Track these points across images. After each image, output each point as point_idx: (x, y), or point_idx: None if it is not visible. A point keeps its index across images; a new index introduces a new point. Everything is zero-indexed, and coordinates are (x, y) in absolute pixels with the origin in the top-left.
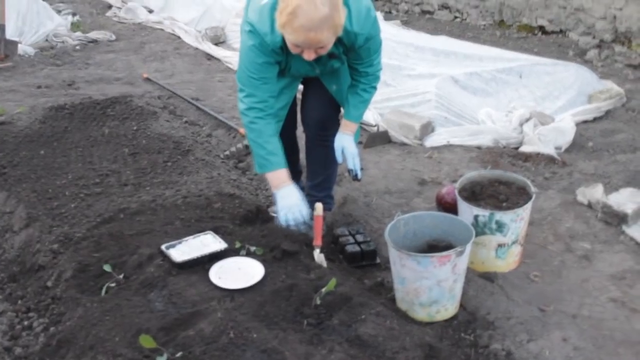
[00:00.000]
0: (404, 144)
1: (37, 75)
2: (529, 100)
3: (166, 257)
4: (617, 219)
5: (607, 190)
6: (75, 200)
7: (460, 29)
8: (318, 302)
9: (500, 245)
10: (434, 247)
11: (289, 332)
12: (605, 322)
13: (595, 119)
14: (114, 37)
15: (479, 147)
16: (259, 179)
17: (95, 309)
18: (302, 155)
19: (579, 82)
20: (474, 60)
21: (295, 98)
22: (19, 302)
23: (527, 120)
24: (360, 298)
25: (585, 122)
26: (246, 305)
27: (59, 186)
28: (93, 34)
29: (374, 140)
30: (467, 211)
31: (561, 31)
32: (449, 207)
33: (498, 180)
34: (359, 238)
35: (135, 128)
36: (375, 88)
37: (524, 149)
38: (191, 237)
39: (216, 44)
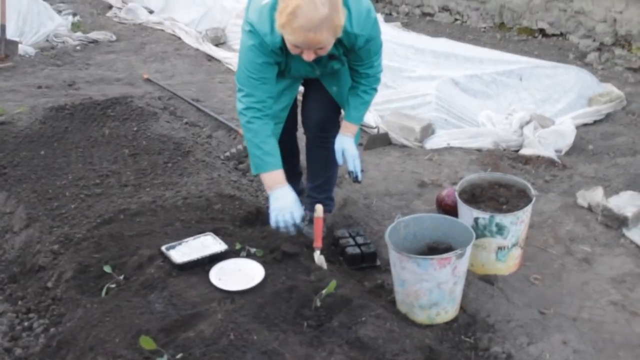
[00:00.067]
0: (404, 146)
1: (37, 75)
2: (529, 102)
3: (166, 258)
4: (617, 222)
5: (608, 194)
6: (75, 201)
7: (461, 32)
8: (318, 304)
9: (500, 248)
10: (434, 249)
11: (289, 334)
12: (606, 325)
13: (595, 122)
14: (114, 38)
15: (479, 150)
16: (259, 180)
17: (95, 310)
18: (303, 157)
19: (579, 85)
20: (474, 62)
21: (295, 100)
22: (19, 302)
23: (528, 122)
24: (360, 300)
25: (585, 125)
26: (246, 306)
27: (59, 187)
28: (93, 35)
29: (374, 142)
30: (468, 213)
31: (561, 34)
32: (449, 209)
33: (498, 183)
34: (359, 240)
35: (135, 129)
36: (375, 90)
37: (524, 151)
38: (191, 238)
39: (217, 45)
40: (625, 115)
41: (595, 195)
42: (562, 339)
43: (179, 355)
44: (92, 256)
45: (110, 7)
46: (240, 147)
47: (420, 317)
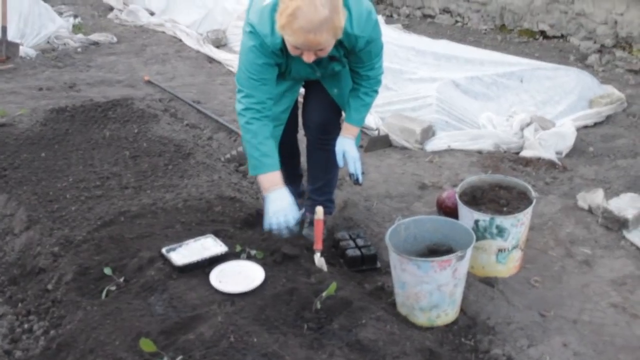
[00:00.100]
0: (404, 148)
1: (38, 77)
2: (530, 104)
3: (167, 261)
4: (617, 224)
5: (608, 196)
6: (75, 203)
7: (462, 33)
8: (318, 306)
9: (500, 250)
10: (434, 251)
11: (289, 336)
12: (606, 327)
13: (596, 124)
14: (115, 40)
15: (479, 152)
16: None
17: (95, 312)
18: (303, 159)
19: (580, 87)
20: (475, 64)
21: (296, 102)
22: (20, 305)
23: (528, 124)
24: (360, 302)
25: (586, 127)
26: (246, 309)
27: (60, 189)
28: (94, 36)
29: (375, 144)
30: (468, 216)
31: (562, 36)
32: (449, 211)
33: (499, 185)
34: (360, 242)
35: (136, 131)
36: (376, 92)
37: (525, 153)
38: (192, 240)
39: (217, 47)
40: (625, 117)
41: (595, 197)
42: (562, 342)
43: (179, 358)
44: (93, 258)
45: (111, 9)
46: (240, 149)
47: (421, 319)
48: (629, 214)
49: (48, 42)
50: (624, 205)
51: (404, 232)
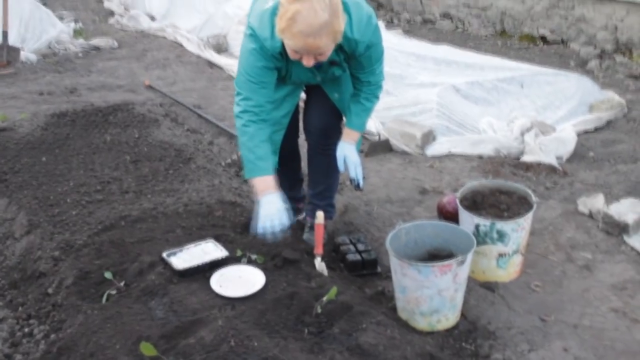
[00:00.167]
0: (405, 153)
1: (39, 82)
2: (530, 109)
3: (167, 265)
4: (618, 229)
5: (608, 200)
6: (76, 208)
7: (462, 39)
8: (319, 310)
9: (501, 255)
10: (435, 256)
11: (289, 340)
12: (607, 332)
13: (596, 129)
14: (116, 45)
15: (480, 157)
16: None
17: (96, 316)
18: (304, 164)
19: (580, 92)
20: (476, 69)
21: (297, 106)
22: (20, 309)
23: (529, 129)
24: (361, 307)
25: (586, 132)
26: (247, 313)
27: (61, 193)
28: (95, 41)
29: (376, 149)
30: (469, 220)
31: (562, 41)
32: (450, 216)
33: (499, 190)
34: (360, 247)
35: (137, 135)
36: (377, 97)
37: (525, 158)
38: (192, 244)
39: (218, 52)
40: (626, 123)
41: (596, 202)
42: (563, 346)
43: None
44: (93, 262)
45: (112, 14)
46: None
47: (421, 324)
48: (630, 218)
49: (49, 47)
50: (625, 210)
51: (405, 237)
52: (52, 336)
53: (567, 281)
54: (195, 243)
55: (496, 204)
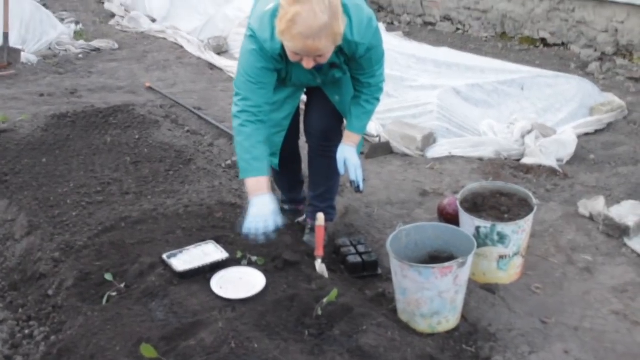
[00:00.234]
0: (405, 155)
1: (39, 83)
2: (531, 112)
3: (167, 267)
4: (618, 231)
5: (609, 203)
6: (76, 209)
7: (462, 41)
8: (319, 312)
9: (501, 257)
10: (435, 258)
11: (290, 342)
12: (607, 334)
13: (596, 132)
14: (116, 46)
15: (480, 159)
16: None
17: (96, 318)
18: (304, 166)
19: (581, 94)
20: (476, 72)
21: (298, 108)
22: (20, 310)
23: (529, 132)
24: (361, 309)
25: (586, 134)
26: (247, 315)
27: (61, 194)
28: (96, 43)
29: (376, 151)
30: (469, 222)
31: (563, 44)
32: (450, 218)
33: (500, 192)
34: (361, 249)
35: (137, 137)
36: (378, 99)
37: (526, 160)
38: (192, 246)
39: (219, 54)
40: (626, 125)
41: (596, 205)
42: (563, 349)
43: None
44: (93, 264)
45: (112, 15)
46: None
47: (422, 326)
48: (630, 221)
49: (49, 48)
50: (625, 212)
51: (405, 239)
52: (52, 338)
53: (568, 283)
54: (196, 245)
55: (497, 206)
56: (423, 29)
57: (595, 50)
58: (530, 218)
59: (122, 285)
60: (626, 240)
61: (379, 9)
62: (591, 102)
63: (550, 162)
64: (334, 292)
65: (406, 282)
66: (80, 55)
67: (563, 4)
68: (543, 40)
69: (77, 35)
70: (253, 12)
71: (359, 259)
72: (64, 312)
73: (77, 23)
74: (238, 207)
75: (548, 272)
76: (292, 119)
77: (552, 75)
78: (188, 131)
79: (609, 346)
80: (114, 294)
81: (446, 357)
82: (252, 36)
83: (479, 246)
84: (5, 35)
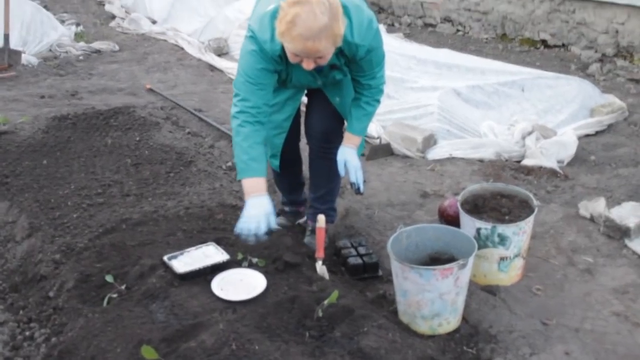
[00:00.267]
0: (406, 157)
1: (40, 85)
2: (531, 113)
3: (168, 268)
4: (619, 232)
5: (610, 204)
6: (77, 211)
7: (463, 42)
8: (320, 314)
9: (502, 259)
10: (436, 259)
11: (291, 344)
12: (608, 336)
13: (597, 133)
14: (117, 48)
15: (481, 160)
16: None
17: (96, 319)
18: (305, 167)
19: (581, 95)
20: (477, 73)
21: (299, 110)
22: (21, 312)
23: (530, 133)
24: (362, 310)
25: (587, 135)
26: (248, 316)
27: (62, 196)
28: (96, 45)
29: (376, 152)
30: (470, 224)
31: (563, 45)
32: (451, 219)
33: (500, 194)
34: (361, 250)
35: (138, 139)
36: (378, 101)
37: (526, 162)
38: (193, 248)
39: (219, 55)
40: (627, 126)
41: (597, 206)
42: (564, 350)
43: None
44: (94, 266)
45: (113, 17)
46: None
47: (423, 327)
48: (631, 222)
49: (50, 50)
50: (626, 213)
51: (406, 241)
52: (53, 340)
53: (569, 285)
54: (196, 246)
55: (497, 207)
56: (423, 31)
57: (596, 52)
58: (530, 219)
59: (123, 287)
60: (627, 241)
61: (380, 10)
62: (592, 104)
63: (551, 163)
64: (335, 294)
65: (407, 283)
66: (81, 57)
67: (563, 5)
68: (543, 42)
69: (78, 37)
70: (253, 13)
71: (359, 261)
72: (64, 314)
73: (77, 25)
74: (239, 209)
75: (549, 273)
76: (293, 121)
77: (552, 76)
78: (189, 133)
79: (610, 347)
80: (115, 295)
81: (447, 358)
82: (252, 37)
83: (479, 248)
84: (6, 37)
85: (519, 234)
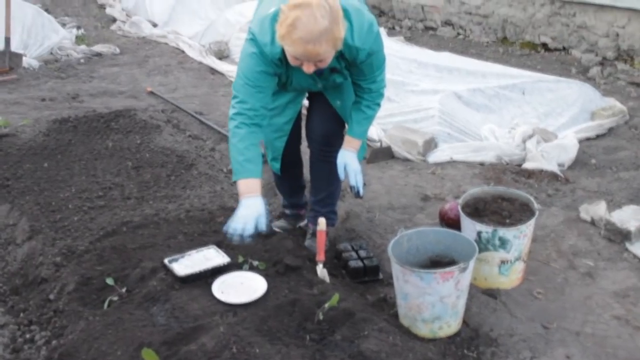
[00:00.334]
0: (407, 160)
1: (41, 88)
2: (532, 117)
3: (169, 271)
4: (620, 236)
5: (610, 208)
6: (78, 213)
7: (464, 46)
8: (321, 317)
9: (503, 262)
10: (437, 263)
11: (291, 347)
12: (609, 339)
13: (598, 136)
14: (118, 51)
15: (482, 164)
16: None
17: (97, 322)
18: (306, 170)
19: (582, 99)
20: (477, 76)
21: (300, 113)
22: (21, 314)
23: (530, 137)
24: (363, 314)
25: (588, 139)
26: (249, 319)
27: (62, 199)
28: (97, 48)
29: (377, 155)
30: (470, 227)
31: (564, 48)
32: (452, 223)
33: (501, 197)
34: (362, 253)
35: (138, 141)
36: (379, 105)
37: (527, 165)
38: (194, 251)
39: (220, 59)
40: (628, 130)
41: (598, 210)
42: (565, 354)
43: None
44: (95, 268)
45: (114, 20)
46: None
47: (423, 331)
48: (632, 226)
49: (51, 53)
50: (627, 217)
51: (407, 244)
52: (54, 342)
53: (570, 288)
54: (197, 249)
55: (498, 210)
56: (424, 34)
57: (596, 55)
58: (531, 223)
59: (124, 290)
60: (628, 245)
61: (380, 13)
62: (592, 107)
63: (552, 166)
64: (336, 297)
65: (407, 287)
66: (82, 60)
67: (564, 8)
68: (544, 45)
69: (79, 40)
70: (255, 15)
71: (360, 264)
72: (65, 317)
73: (78, 28)
74: None
75: (549, 277)
76: (294, 124)
77: (553, 79)
78: (189, 136)
79: (611, 351)
80: (115, 298)
81: None
82: (253, 40)
83: (480, 251)
84: (7, 40)
85: (520, 237)
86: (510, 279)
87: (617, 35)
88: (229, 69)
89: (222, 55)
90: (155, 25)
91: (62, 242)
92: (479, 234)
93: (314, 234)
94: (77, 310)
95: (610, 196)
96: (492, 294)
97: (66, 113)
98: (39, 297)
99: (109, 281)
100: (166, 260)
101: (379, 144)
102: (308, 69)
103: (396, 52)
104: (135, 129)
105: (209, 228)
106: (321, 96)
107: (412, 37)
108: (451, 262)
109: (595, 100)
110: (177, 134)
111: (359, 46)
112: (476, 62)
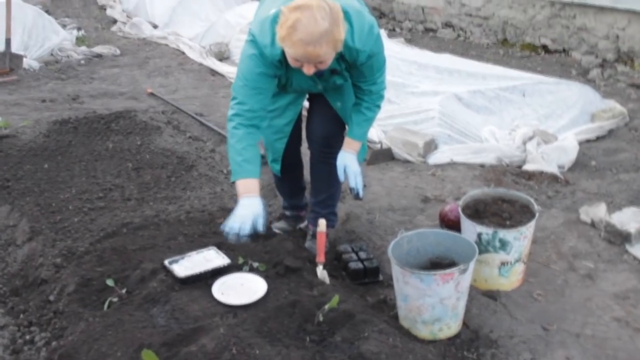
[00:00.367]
0: (407, 162)
1: (41, 89)
2: (532, 118)
3: (169, 272)
4: (620, 238)
5: (611, 209)
6: (78, 215)
7: (464, 48)
8: (321, 318)
9: (503, 264)
10: (437, 264)
11: (291, 348)
12: (609, 341)
13: (598, 138)
14: (118, 52)
15: (482, 165)
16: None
17: (97, 323)
18: (306, 172)
19: (582, 101)
20: (478, 78)
21: (300, 114)
22: (21, 316)
23: (531, 138)
24: (363, 315)
25: (588, 141)
26: (249, 321)
27: (63, 200)
28: (98, 49)
29: (377, 157)
30: (471, 229)
31: (564, 50)
32: (452, 224)
33: (501, 199)
34: (362, 255)
35: (139, 143)
36: (379, 107)
37: (527, 167)
38: (194, 252)
39: (220, 60)
40: (628, 132)
41: (598, 211)
42: (565, 355)
43: None
44: (95, 270)
45: (114, 21)
46: None
47: (423, 332)
48: (632, 227)
49: (51, 54)
50: (627, 219)
51: (407, 245)
52: (54, 343)
53: (570, 290)
54: (197, 251)
55: (498, 212)
56: (424, 36)
57: (596, 57)
58: (532, 224)
59: (124, 291)
60: (628, 246)
61: (381, 15)
62: (592, 109)
63: (552, 168)
64: (336, 299)
65: (407, 288)
66: (82, 62)
67: (564, 10)
68: (544, 47)
69: (79, 41)
70: (255, 17)
71: (360, 266)
72: (65, 318)
73: (79, 29)
74: None
75: (549, 278)
76: (294, 125)
77: (553, 81)
78: (190, 137)
79: (611, 353)
80: (115, 299)
81: None
82: (253, 41)
83: (480, 253)
84: (8, 41)
85: (520, 239)
86: (511, 280)
87: (617, 37)
88: (229, 71)
89: (222, 57)
90: (155, 26)
91: (62, 243)
92: (479, 235)
93: (314, 236)
94: (77, 311)
95: (610, 198)
96: (492, 295)
97: (66, 114)
98: (39, 298)
99: (109, 282)
100: (166, 262)
101: (379, 146)
102: (308, 70)
103: (396, 53)
104: (136, 130)
105: (209, 229)
106: (321, 98)
107: (412, 39)
108: (451, 264)
109: (596, 102)
110: (178, 135)
111: (360, 48)
112: (476, 63)
